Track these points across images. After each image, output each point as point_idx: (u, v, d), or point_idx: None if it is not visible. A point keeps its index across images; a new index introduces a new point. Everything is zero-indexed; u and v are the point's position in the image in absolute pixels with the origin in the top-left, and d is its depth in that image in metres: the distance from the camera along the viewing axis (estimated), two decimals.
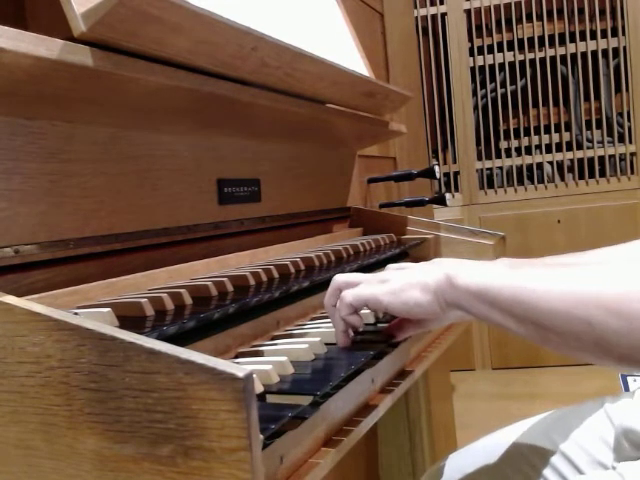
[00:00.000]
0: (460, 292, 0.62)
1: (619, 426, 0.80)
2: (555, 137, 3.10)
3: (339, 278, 0.73)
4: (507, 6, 3.09)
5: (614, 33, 3.01)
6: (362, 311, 0.73)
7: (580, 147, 3.07)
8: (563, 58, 3.08)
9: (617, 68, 3.02)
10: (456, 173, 3.21)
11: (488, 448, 0.92)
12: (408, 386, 0.83)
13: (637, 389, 0.84)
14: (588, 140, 3.08)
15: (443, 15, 3.17)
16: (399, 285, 0.67)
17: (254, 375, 0.43)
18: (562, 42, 3.05)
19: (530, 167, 3.13)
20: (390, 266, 0.77)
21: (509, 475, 0.88)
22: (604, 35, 3.02)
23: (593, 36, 3.03)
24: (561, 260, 0.79)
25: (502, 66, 3.12)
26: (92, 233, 0.70)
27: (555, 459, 0.85)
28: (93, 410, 0.45)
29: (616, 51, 3.02)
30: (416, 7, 3.11)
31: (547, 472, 0.85)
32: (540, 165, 3.12)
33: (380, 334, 0.76)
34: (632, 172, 3.04)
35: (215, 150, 0.91)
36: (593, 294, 0.53)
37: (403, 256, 1.22)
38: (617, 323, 0.52)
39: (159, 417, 0.43)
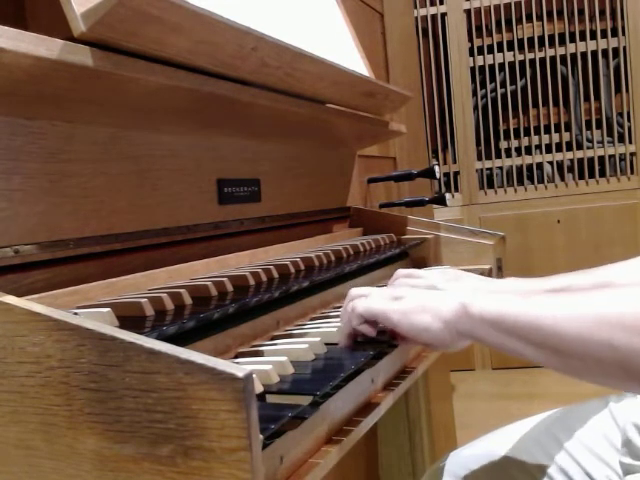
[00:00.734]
0: (475, 321, 0.61)
1: (632, 423, 0.80)
2: (555, 137, 3.10)
3: (354, 291, 0.73)
4: (507, 6, 3.09)
5: (614, 33, 3.01)
6: None
7: (580, 147, 3.07)
8: (563, 58, 3.08)
9: (617, 68, 3.02)
10: (456, 173, 3.21)
11: (489, 446, 0.92)
12: (408, 386, 0.83)
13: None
14: (588, 140, 3.08)
15: (443, 15, 3.17)
16: (412, 306, 0.66)
17: (254, 375, 0.43)
18: (562, 42, 3.06)
19: (530, 167, 3.13)
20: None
21: (512, 473, 0.88)
22: (604, 35, 3.02)
23: (593, 36, 3.03)
24: (568, 280, 0.78)
25: (502, 66, 3.12)
26: (92, 233, 0.70)
27: (559, 457, 0.85)
28: (93, 410, 0.45)
29: (616, 51, 3.02)
30: (416, 7, 3.11)
31: (551, 470, 0.85)
32: (540, 165, 3.12)
33: (382, 334, 0.76)
34: (632, 172, 3.04)
35: (215, 150, 0.91)
36: (614, 316, 0.53)
37: (403, 256, 1.22)
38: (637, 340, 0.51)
39: (159, 417, 0.43)
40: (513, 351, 0.60)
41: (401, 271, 0.86)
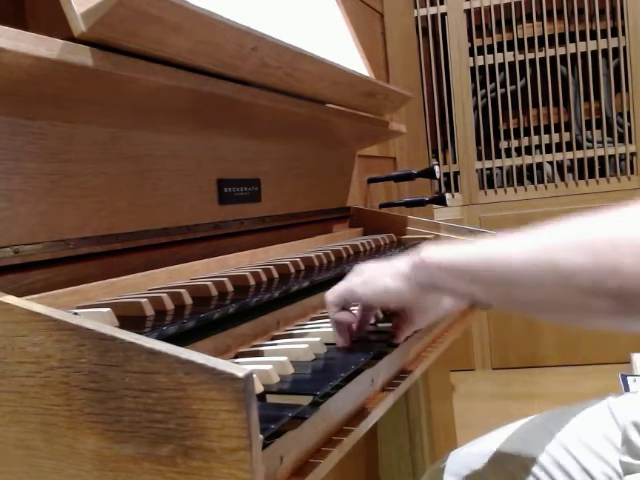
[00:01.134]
0: (432, 270, 0.62)
1: (628, 421, 0.80)
2: (555, 137, 3.10)
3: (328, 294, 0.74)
4: (507, 6, 3.09)
5: (614, 33, 3.01)
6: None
7: (580, 147, 3.07)
8: (563, 58, 3.08)
9: (617, 68, 3.02)
10: (456, 173, 3.21)
11: (490, 445, 0.92)
12: (408, 386, 0.83)
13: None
14: (588, 140, 3.08)
15: (443, 15, 3.17)
16: (370, 274, 0.68)
17: (254, 375, 0.43)
18: (562, 42, 3.05)
19: (530, 167, 3.13)
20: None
21: (512, 472, 0.88)
22: (604, 35, 3.02)
23: (593, 36, 3.03)
24: None
25: (502, 66, 3.12)
26: (92, 233, 0.70)
27: (558, 456, 0.85)
28: (93, 410, 0.45)
29: (616, 51, 3.02)
30: (416, 7, 3.11)
31: (550, 469, 0.85)
32: (540, 165, 3.12)
33: (380, 334, 0.76)
34: (632, 172, 3.04)
35: (215, 150, 0.91)
36: (558, 239, 0.53)
37: None
38: (582, 258, 0.50)
39: (159, 417, 0.43)
40: (469, 294, 0.60)
41: None
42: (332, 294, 0.71)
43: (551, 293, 0.53)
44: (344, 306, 0.71)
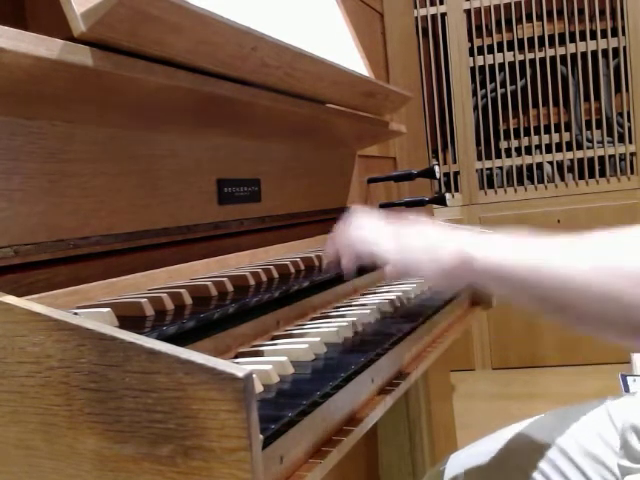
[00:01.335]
0: (477, 272, 0.59)
1: (626, 424, 0.80)
2: (555, 137, 3.10)
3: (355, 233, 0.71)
4: (507, 6, 3.09)
5: (614, 33, 3.01)
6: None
7: (580, 147, 3.07)
8: (563, 58, 3.08)
9: (617, 68, 3.02)
10: (456, 173, 3.21)
11: (489, 448, 0.92)
12: (408, 386, 0.83)
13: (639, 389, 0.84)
14: (588, 140, 3.08)
15: (443, 15, 3.17)
16: (408, 245, 0.65)
17: (254, 375, 0.43)
18: (562, 42, 3.05)
19: (530, 167, 3.13)
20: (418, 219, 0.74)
21: (511, 475, 0.88)
22: (604, 35, 3.02)
23: (593, 36, 3.03)
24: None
25: (502, 66, 3.12)
26: (92, 233, 0.70)
27: (556, 459, 0.85)
28: (93, 410, 0.45)
29: (616, 51, 3.02)
30: (416, 7, 3.11)
31: (549, 472, 0.85)
32: (540, 165, 3.12)
33: (380, 335, 0.76)
34: (632, 172, 3.04)
35: (215, 150, 0.91)
36: (614, 262, 0.51)
37: None
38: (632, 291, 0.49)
39: (159, 417, 0.43)
40: (512, 299, 0.58)
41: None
42: (360, 241, 0.68)
43: (612, 320, 0.52)
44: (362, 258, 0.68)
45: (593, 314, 0.53)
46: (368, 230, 0.70)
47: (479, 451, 0.93)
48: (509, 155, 3.15)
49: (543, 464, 0.86)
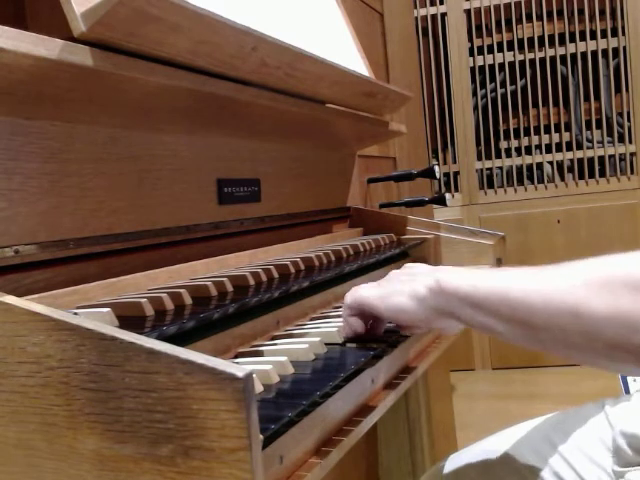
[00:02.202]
0: (449, 298, 0.62)
1: (619, 431, 0.80)
2: (555, 137, 3.10)
3: (348, 295, 0.74)
4: (507, 6, 3.09)
5: (614, 33, 3.01)
6: None
7: (580, 147, 3.07)
8: (563, 58, 3.08)
9: (617, 68, 3.02)
10: (456, 173, 3.21)
11: (487, 450, 0.92)
12: (408, 386, 0.83)
13: (636, 392, 0.84)
14: (588, 140, 3.08)
15: (443, 15, 3.17)
16: (389, 290, 0.68)
17: (254, 375, 0.43)
18: (562, 42, 3.05)
19: (530, 167, 3.13)
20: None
21: (510, 476, 0.88)
22: (604, 35, 3.02)
23: (593, 36, 3.03)
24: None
25: (502, 66, 3.12)
26: (92, 233, 0.70)
27: (554, 462, 0.85)
28: (93, 410, 0.45)
29: (616, 51, 3.02)
30: (416, 7, 3.11)
31: (546, 475, 0.85)
32: (540, 165, 3.12)
33: (391, 333, 0.76)
34: (632, 172, 3.04)
35: (215, 150, 0.91)
36: (579, 283, 0.52)
37: (403, 256, 1.22)
38: (603, 307, 0.50)
39: (159, 417, 0.43)
40: (486, 327, 0.60)
41: (408, 265, 0.87)
42: (351, 297, 0.71)
43: (575, 340, 0.52)
44: (360, 313, 0.71)
45: (557, 331, 0.53)
46: (361, 289, 0.73)
47: (478, 452, 0.93)
48: (509, 155, 3.15)
49: (541, 466, 0.86)
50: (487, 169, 3.17)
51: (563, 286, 0.53)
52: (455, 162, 3.20)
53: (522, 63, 3.11)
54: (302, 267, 0.88)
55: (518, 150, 3.14)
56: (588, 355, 0.53)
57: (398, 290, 0.67)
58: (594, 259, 0.55)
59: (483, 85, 3.17)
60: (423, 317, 0.65)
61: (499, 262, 1.21)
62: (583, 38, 3.03)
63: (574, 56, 3.06)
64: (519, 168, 3.13)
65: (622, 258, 0.53)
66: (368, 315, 0.72)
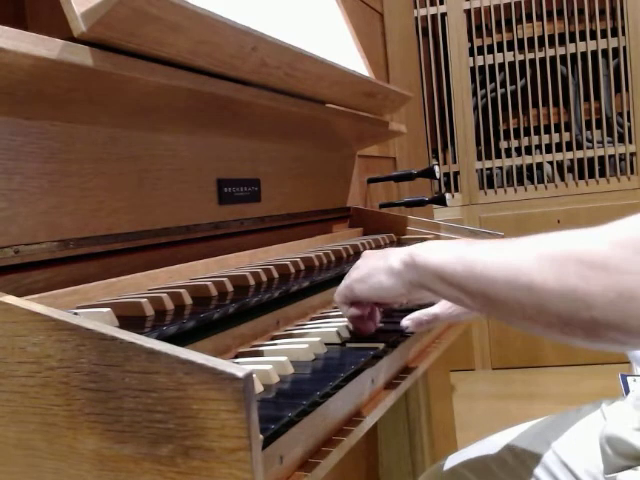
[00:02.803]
0: (421, 271, 0.63)
1: (605, 435, 0.79)
2: (555, 137, 3.10)
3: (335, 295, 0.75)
4: (507, 6, 3.09)
5: (614, 33, 3.01)
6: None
7: (580, 147, 3.07)
8: (563, 58, 3.08)
9: (617, 68, 3.02)
10: (456, 173, 3.21)
11: (486, 451, 0.92)
12: (408, 386, 0.83)
13: (630, 392, 0.84)
14: (588, 140, 3.08)
15: (443, 15, 3.17)
16: (366, 271, 0.69)
17: (254, 375, 0.43)
18: (562, 42, 3.05)
19: (530, 167, 3.13)
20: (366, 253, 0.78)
21: (509, 477, 0.88)
22: (604, 35, 3.02)
23: (593, 36, 3.03)
24: None
25: (502, 66, 3.12)
26: (92, 233, 0.70)
27: (552, 463, 0.85)
28: (93, 410, 0.45)
29: (616, 51, 3.02)
30: (416, 7, 3.11)
31: (544, 476, 0.85)
32: (540, 165, 3.12)
33: (383, 333, 0.77)
34: (632, 172, 3.04)
35: (215, 150, 0.91)
36: (535, 255, 0.53)
37: None
38: (553, 281, 0.50)
39: (159, 417, 0.43)
40: (456, 299, 0.61)
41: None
42: (337, 294, 0.73)
43: (531, 313, 0.53)
44: (351, 302, 0.72)
45: (515, 308, 0.54)
46: (342, 282, 0.74)
47: (476, 453, 0.93)
48: (509, 155, 3.15)
49: (538, 467, 0.86)
50: (487, 169, 3.17)
51: (520, 260, 0.54)
52: (455, 162, 3.20)
53: (522, 63, 3.11)
54: (302, 267, 0.88)
55: (518, 150, 3.14)
56: (542, 327, 0.54)
57: (375, 268, 0.68)
58: (556, 233, 0.55)
59: (483, 85, 3.17)
60: (403, 291, 0.66)
61: None
62: (583, 38, 3.03)
63: (574, 56, 3.06)
64: (519, 168, 3.13)
65: (583, 234, 0.54)
66: (358, 303, 0.73)
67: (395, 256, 0.66)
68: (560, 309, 0.51)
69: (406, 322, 0.76)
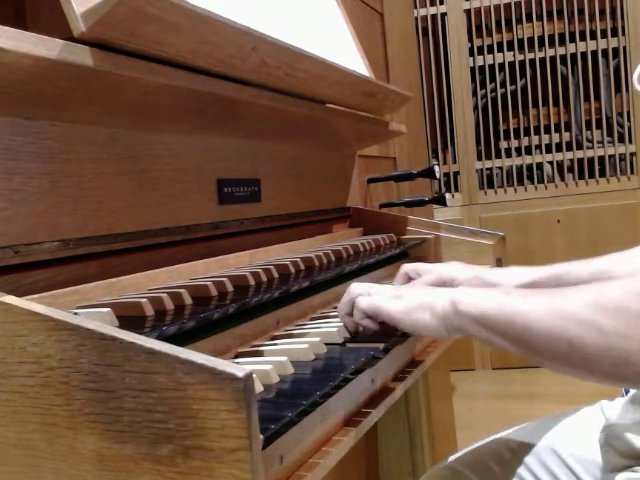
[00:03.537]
0: (463, 318, 0.65)
1: (604, 435, 0.80)
2: (555, 137, 3.10)
3: (355, 289, 0.76)
4: (507, 6, 3.09)
5: (614, 33, 3.01)
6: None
7: (580, 147, 3.07)
8: (563, 58, 3.08)
9: (617, 68, 3.02)
10: (456, 173, 3.21)
11: (486, 451, 0.92)
12: (408, 386, 0.83)
13: (630, 392, 0.84)
14: (588, 140, 3.08)
15: (443, 15, 3.17)
16: (412, 305, 0.70)
17: (254, 375, 0.43)
18: (562, 42, 3.05)
19: (530, 167, 3.13)
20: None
21: (509, 477, 0.88)
22: (604, 35, 3.02)
23: (593, 36, 3.03)
24: (567, 267, 0.82)
25: (502, 66, 3.12)
26: (92, 233, 0.70)
27: (552, 463, 0.85)
28: (93, 410, 0.45)
29: (616, 51, 3.02)
30: (416, 7, 3.11)
31: (544, 477, 0.85)
32: (540, 165, 3.12)
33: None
34: (632, 172, 3.04)
35: (215, 150, 0.91)
36: (568, 311, 0.55)
37: (403, 256, 1.22)
38: (592, 338, 0.53)
39: (159, 417, 0.43)
40: (498, 346, 0.63)
41: (406, 266, 0.91)
42: (368, 305, 0.73)
43: (576, 365, 0.56)
44: (372, 317, 0.73)
45: (560, 359, 0.57)
46: (370, 292, 0.76)
47: (478, 452, 0.93)
48: (509, 155, 3.15)
49: (538, 470, 0.86)
50: (487, 169, 3.17)
51: (560, 318, 0.56)
52: (455, 162, 3.20)
53: (522, 63, 3.11)
54: (302, 267, 0.88)
55: (518, 150, 3.14)
56: (590, 378, 0.57)
57: (418, 305, 0.70)
58: (586, 287, 0.57)
59: (483, 85, 3.17)
60: (446, 333, 0.69)
61: (499, 262, 1.21)
62: (583, 38, 3.03)
63: (574, 56, 3.06)
64: (519, 168, 3.13)
65: (607, 289, 0.55)
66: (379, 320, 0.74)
67: (439, 299, 0.69)
68: (604, 368, 0.54)
69: None
